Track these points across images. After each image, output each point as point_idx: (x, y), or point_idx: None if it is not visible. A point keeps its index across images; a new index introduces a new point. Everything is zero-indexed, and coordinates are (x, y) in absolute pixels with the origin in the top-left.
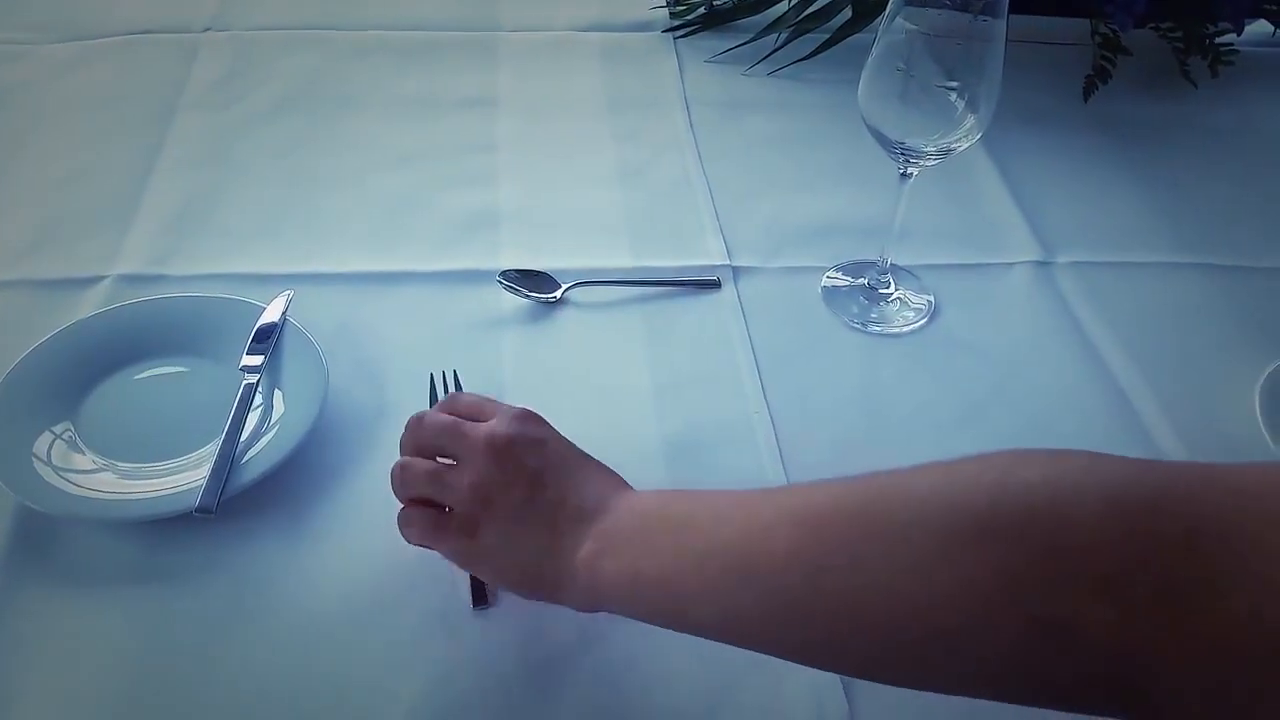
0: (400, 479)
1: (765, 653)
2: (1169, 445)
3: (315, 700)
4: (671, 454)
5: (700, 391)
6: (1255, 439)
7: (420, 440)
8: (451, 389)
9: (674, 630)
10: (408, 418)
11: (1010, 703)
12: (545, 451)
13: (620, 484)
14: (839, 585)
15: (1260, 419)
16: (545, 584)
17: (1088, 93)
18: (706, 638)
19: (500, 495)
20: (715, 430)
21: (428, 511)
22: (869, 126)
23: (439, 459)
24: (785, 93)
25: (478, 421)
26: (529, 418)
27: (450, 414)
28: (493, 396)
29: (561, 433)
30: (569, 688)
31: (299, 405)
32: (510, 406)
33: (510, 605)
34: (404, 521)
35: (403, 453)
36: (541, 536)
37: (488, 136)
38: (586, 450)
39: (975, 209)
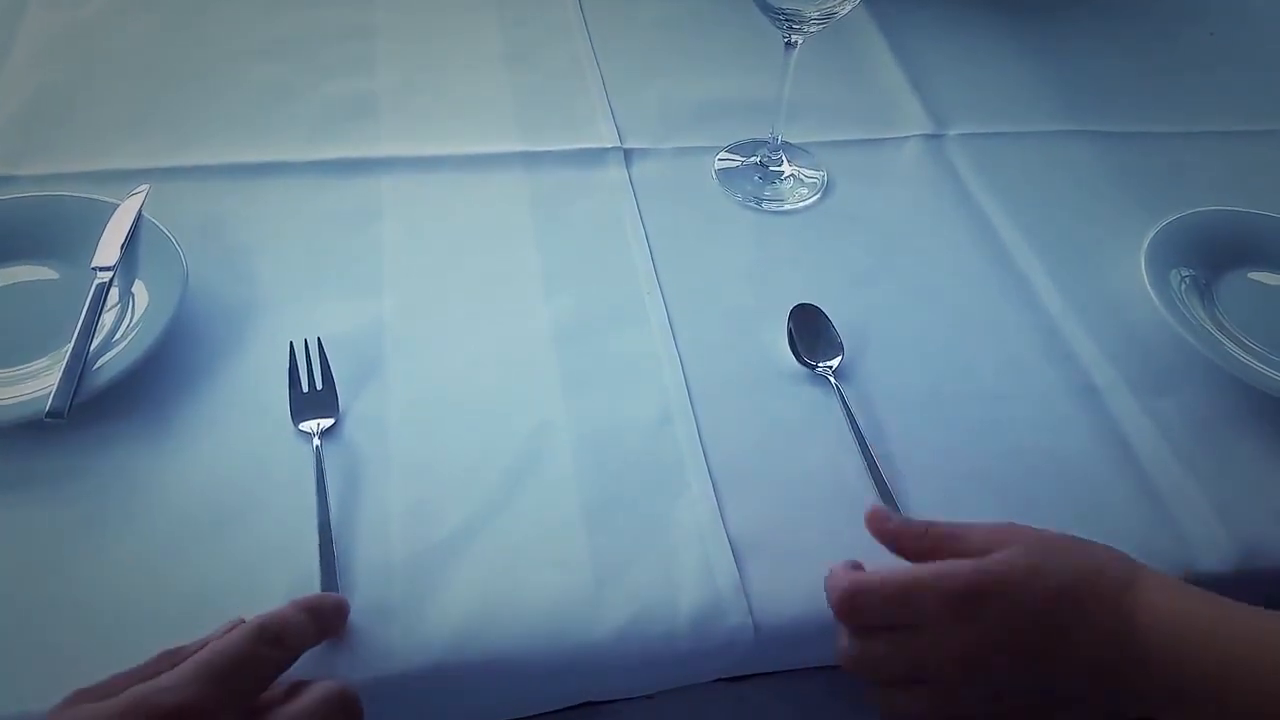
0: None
1: None
2: (1055, 306)
3: (180, 605)
4: (562, 337)
5: (591, 274)
6: (1140, 296)
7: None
8: (314, 357)
9: None
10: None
11: None
12: None
13: None
14: None
15: (1146, 278)
16: None
17: None
18: None
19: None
20: (607, 312)
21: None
22: None
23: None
24: None
25: None
26: None
27: None
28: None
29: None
30: (455, 572)
31: (159, 305)
32: None
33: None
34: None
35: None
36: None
37: (366, 22)
38: (473, 337)
39: (868, 85)
